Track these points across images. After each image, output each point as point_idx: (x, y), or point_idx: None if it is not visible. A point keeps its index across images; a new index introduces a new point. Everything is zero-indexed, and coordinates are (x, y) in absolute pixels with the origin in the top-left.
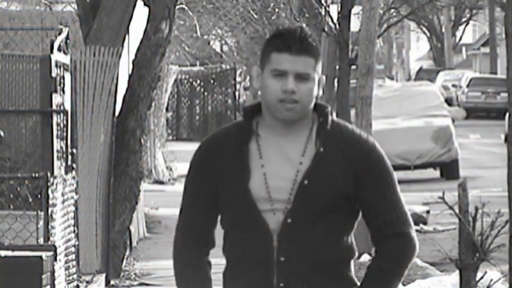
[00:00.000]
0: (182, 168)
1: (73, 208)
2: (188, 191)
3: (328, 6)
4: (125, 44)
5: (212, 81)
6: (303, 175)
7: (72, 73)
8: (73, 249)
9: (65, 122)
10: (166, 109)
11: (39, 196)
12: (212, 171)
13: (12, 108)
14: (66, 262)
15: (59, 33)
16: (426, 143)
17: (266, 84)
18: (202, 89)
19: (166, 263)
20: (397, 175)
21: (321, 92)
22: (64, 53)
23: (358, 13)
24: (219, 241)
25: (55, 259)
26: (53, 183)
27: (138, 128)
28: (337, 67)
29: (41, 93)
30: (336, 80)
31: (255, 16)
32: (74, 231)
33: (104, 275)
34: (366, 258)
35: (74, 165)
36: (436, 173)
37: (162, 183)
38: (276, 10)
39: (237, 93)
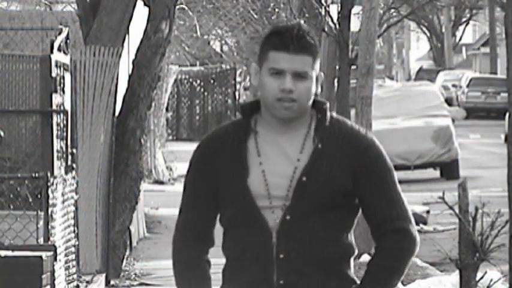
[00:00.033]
0: (182, 168)
1: (73, 208)
2: (188, 190)
3: (328, 6)
4: (125, 44)
5: (212, 81)
6: (301, 172)
7: (72, 73)
8: (73, 249)
9: (65, 122)
10: (166, 109)
11: (39, 196)
12: (211, 170)
13: (12, 108)
14: (66, 262)
15: (59, 33)
16: (426, 143)
17: (264, 82)
18: (202, 89)
19: (166, 263)
20: (397, 175)
21: (319, 89)
22: (64, 53)
23: (358, 13)
24: (218, 241)
25: (55, 259)
26: (53, 183)
27: (138, 128)
28: (337, 67)
29: (41, 93)
30: (336, 80)
31: (255, 16)
32: (74, 231)
33: (104, 275)
34: (366, 258)
35: (74, 165)
36: (436, 173)
37: (162, 183)
38: (276, 10)
39: (237, 93)
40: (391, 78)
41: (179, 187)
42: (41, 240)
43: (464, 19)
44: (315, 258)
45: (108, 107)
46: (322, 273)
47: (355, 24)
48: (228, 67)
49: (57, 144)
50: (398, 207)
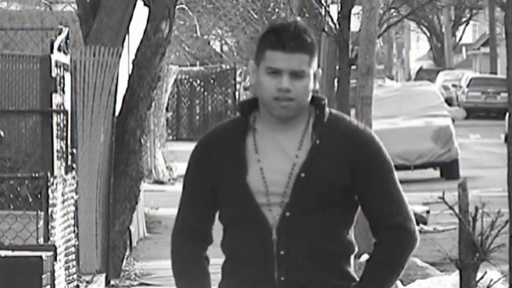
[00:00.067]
0: (182, 168)
1: (73, 208)
2: (187, 188)
3: (328, 6)
4: (125, 44)
5: (212, 81)
6: (299, 168)
7: (72, 73)
8: (73, 249)
9: (65, 122)
10: (166, 109)
11: (39, 196)
12: (210, 167)
13: (12, 108)
14: (66, 262)
15: (59, 33)
16: (426, 143)
17: (261, 81)
18: (202, 89)
19: (166, 263)
20: (397, 175)
21: (317, 86)
22: (64, 53)
23: (358, 13)
24: (217, 240)
25: (55, 259)
26: (53, 183)
27: (138, 128)
28: (337, 67)
29: (41, 93)
30: (336, 80)
31: (255, 16)
32: (74, 231)
33: (104, 275)
34: (365, 258)
35: (74, 165)
36: (436, 173)
37: (162, 183)
38: (276, 10)
39: (237, 93)
40: (391, 78)
41: (179, 187)
42: (41, 240)
43: (464, 19)
44: (315, 255)
45: (108, 107)
46: (322, 269)
47: (355, 24)
48: (228, 67)
49: (57, 144)
50: (397, 203)
